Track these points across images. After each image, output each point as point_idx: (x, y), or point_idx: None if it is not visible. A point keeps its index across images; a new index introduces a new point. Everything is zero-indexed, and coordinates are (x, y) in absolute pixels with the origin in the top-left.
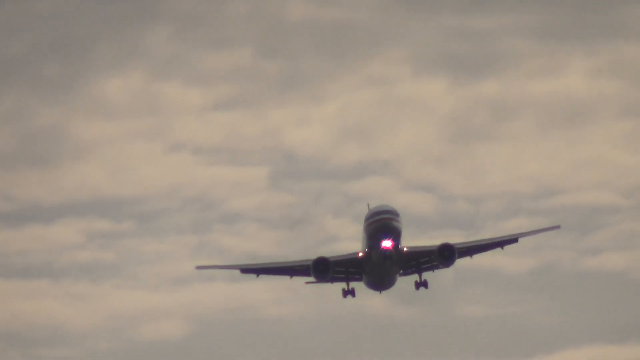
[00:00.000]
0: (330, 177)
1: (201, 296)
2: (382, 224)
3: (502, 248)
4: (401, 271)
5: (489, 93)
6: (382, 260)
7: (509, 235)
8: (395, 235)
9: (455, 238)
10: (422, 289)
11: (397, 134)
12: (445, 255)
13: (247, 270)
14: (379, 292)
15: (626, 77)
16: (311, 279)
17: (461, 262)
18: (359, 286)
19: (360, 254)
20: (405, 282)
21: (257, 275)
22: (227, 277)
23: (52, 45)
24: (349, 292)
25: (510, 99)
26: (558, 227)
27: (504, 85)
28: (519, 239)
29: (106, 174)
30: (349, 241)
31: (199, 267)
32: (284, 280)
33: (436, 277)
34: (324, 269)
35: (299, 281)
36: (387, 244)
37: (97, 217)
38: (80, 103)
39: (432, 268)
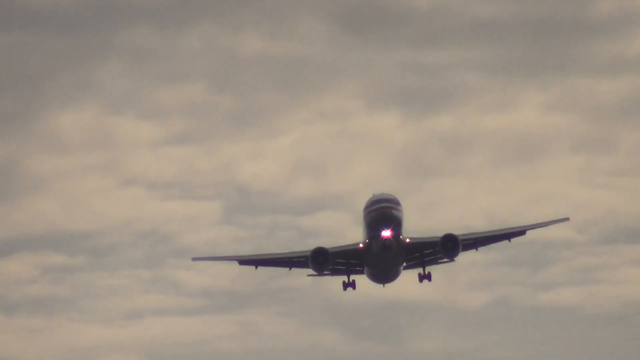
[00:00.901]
0: (284, 212)
1: (155, 330)
2: (381, 212)
3: (510, 240)
4: (405, 264)
5: (442, 127)
6: (382, 250)
7: (517, 227)
8: (396, 224)
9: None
10: (425, 281)
11: (350, 169)
12: (448, 246)
13: (245, 262)
14: (382, 285)
15: (578, 111)
16: (312, 271)
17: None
18: (361, 279)
19: (361, 245)
20: (409, 275)
21: (256, 267)
22: (181, 310)
23: (5, 79)
24: (349, 285)
25: (463, 134)
26: (567, 219)
27: (457, 120)
28: (527, 232)
29: (60, 208)
30: (303, 276)
31: (195, 259)
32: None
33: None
34: (322, 260)
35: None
36: (386, 233)
37: (51, 251)
38: (34, 137)
39: (436, 261)
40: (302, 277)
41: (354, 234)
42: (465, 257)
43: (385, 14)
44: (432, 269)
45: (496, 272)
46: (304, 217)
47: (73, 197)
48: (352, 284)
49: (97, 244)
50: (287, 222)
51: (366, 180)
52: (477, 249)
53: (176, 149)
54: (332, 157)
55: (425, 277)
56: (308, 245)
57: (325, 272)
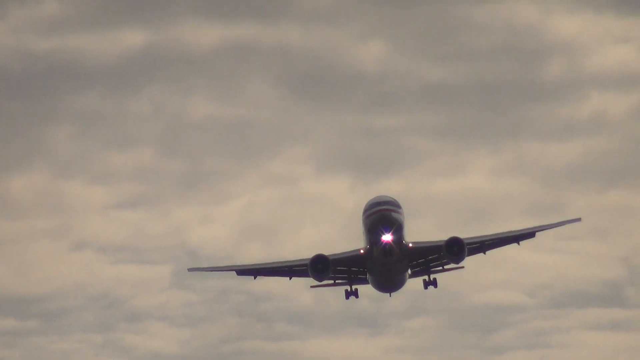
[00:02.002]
0: (234, 276)
1: None
2: (379, 215)
3: (519, 243)
4: (409, 272)
5: (392, 191)
6: (383, 256)
7: (526, 229)
8: (396, 227)
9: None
10: (430, 288)
11: (300, 233)
12: (453, 250)
13: (243, 272)
14: (388, 294)
15: (529, 175)
16: (314, 281)
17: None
18: (367, 289)
19: (362, 251)
20: (414, 282)
21: (255, 277)
22: None
23: None
24: (351, 293)
25: (413, 198)
26: (579, 219)
27: (407, 184)
28: (536, 233)
29: (10, 272)
30: (255, 339)
31: (191, 269)
32: None
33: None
34: (322, 268)
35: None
36: (387, 237)
37: (1, 316)
38: None
39: (442, 266)
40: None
41: (305, 298)
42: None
43: (334, 78)
44: (438, 276)
45: (446, 337)
46: (253, 281)
47: (23, 261)
48: (355, 293)
49: (48, 308)
50: (237, 286)
51: (316, 245)
52: (484, 253)
53: (126, 213)
54: (282, 221)
55: (430, 283)
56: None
57: (328, 282)
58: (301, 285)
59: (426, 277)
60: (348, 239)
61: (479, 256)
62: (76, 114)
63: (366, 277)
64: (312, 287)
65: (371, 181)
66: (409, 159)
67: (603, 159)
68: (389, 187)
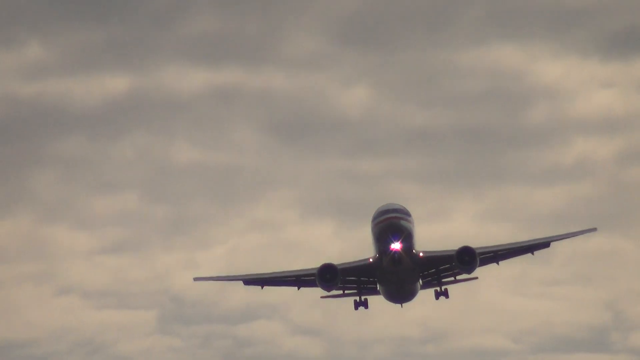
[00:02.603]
0: (219, 321)
1: None
2: (388, 223)
3: (533, 253)
4: (421, 282)
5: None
6: (392, 265)
7: (541, 239)
8: (406, 236)
9: None
10: (442, 298)
11: None
12: (465, 260)
13: (250, 281)
14: (400, 304)
15: (513, 220)
16: (323, 291)
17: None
18: (378, 299)
19: (371, 260)
20: (425, 293)
21: (262, 287)
22: None
23: None
24: (361, 304)
25: None
26: (595, 229)
27: None
28: (551, 243)
29: None
30: None
31: (197, 279)
32: None
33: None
34: (331, 277)
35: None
36: (396, 246)
37: None
38: None
39: (454, 276)
40: None
41: (289, 343)
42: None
43: (319, 123)
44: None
45: None
46: (239, 326)
47: (8, 306)
48: (364, 303)
49: (32, 354)
50: (223, 332)
51: (300, 290)
52: (498, 263)
53: (110, 258)
54: (266, 266)
55: (441, 293)
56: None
57: (337, 292)
58: (289, 331)
59: (437, 288)
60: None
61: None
62: (60, 158)
63: (376, 287)
64: (322, 297)
65: (356, 226)
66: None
67: (588, 204)
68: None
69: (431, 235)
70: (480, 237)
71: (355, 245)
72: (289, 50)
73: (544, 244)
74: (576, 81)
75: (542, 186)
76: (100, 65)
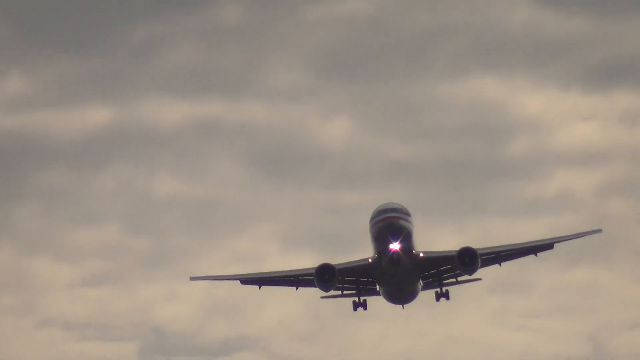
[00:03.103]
0: (200, 353)
1: None
2: (387, 223)
3: (536, 255)
4: (421, 283)
5: None
6: (391, 265)
7: (544, 240)
8: (405, 236)
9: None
10: (443, 300)
11: (265, 310)
12: (465, 261)
13: (247, 281)
14: (401, 306)
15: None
16: (321, 292)
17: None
18: (378, 300)
19: (370, 260)
20: (427, 294)
21: (259, 287)
22: None
23: None
24: (359, 305)
25: None
26: (600, 230)
27: None
28: (555, 245)
29: None
30: None
31: (193, 279)
32: None
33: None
34: (329, 277)
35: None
36: (395, 246)
37: None
38: None
39: (455, 277)
40: None
41: None
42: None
43: (300, 155)
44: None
45: None
46: (220, 358)
47: None
48: (363, 304)
49: None
50: None
51: (281, 322)
52: (500, 264)
53: (92, 290)
54: (248, 298)
55: (442, 295)
56: None
57: (336, 293)
58: None
59: (438, 289)
60: (311, 316)
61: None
62: (41, 191)
63: (376, 288)
64: (322, 297)
65: (337, 258)
66: None
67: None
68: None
69: None
70: None
71: None
72: (269, 83)
73: (547, 246)
74: (557, 113)
75: (524, 218)
76: (82, 98)
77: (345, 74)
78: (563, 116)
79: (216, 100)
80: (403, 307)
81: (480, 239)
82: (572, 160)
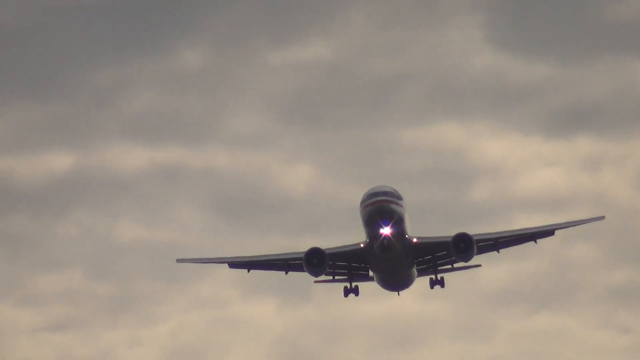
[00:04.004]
0: None
1: None
2: (376, 207)
3: (536, 242)
4: (415, 268)
5: (316, 316)
6: (382, 251)
7: (545, 227)
8: (396, 220)
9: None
10: (437, 287)
11: (227, 356)
12: (460, 247)
13: (236, 264)
14: (397, 292)
15: (458, 299)
16: (320, 277)
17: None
18: (373, 287)
19: (362, 245)
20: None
21: (248, 271)
22: None
23: None
24: (351, 291)
25: (339, 324)
26: (602, 217)
27: (331, 310)
28: (556, 231)
29: None
30: None
31: (180, 260)
32: None
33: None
34: (318, 262)
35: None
36: (385, 230)
37: None
38: None
39: (450, 264)
40: None
41: None
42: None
43: (262, 201)
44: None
45: None
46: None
47: None
48: (355, 290)
49: None
50: None
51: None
52: (498, 251)
53: (54, 335)
54: (209, 344)
55: (437, 282)
56: None
57: (327, 278)
58: None
59: (433, 276)
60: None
61: None
62: (3, 236)
63: (369, 274)
64: (315, 282)
65: (299, 305)
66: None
67: (532, 282)
68: (314, 311)
69: (375, 314)
70: (425, 316)
71: (299, 323)
72: (231, 128)
73: (548, 232)
74: (519, 159)
75: (486, 263)
76: (43, 143)
77: (307, 120)
78: (525, 162)
79: (178, 145)
80: (399, 294)
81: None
82: (534, 206)
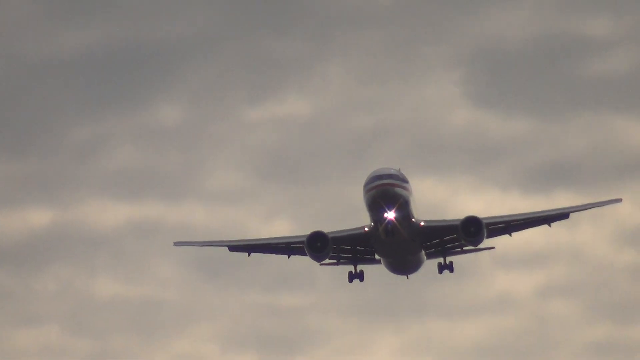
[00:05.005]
0: None
1: None
2: (380, 191)
3: (550, 225)
4: (424, 252)
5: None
6: (386, 235)
7: (560, 209)
8: (401, 204)
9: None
10: (446, 272)
11: None
12: (470, 231)
13: (236, 247)
14: (405, 276)
15: (435, 355)
16: (325, 260)
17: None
18: (380, 270)
19: (366, 229)
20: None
21: (249, 254)
22: None
23: None
24: (356, 276)
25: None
26: (620, 200)
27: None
28: (571, 214)
29: None
30: None
31: (177, 244)
32: None
33: None
34: (321, 247)
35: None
36: (390, 215)
37: None
38: None
39: (459, 247)
40: None
41: None
42: None
43: (240, 257)
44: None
45: None
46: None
47: None
48: (360, 275)
49: None
50: None
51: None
52: (510, 234)
53: None
54: None
55: (445, 267)
56: None
57: (332, 262)
58: None
59: (441, 261)
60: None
61: None
62: None
63: (374, 257)
64: (321, 264)
65: (276, 359)
66: (315, 338)
67: (509, 338)
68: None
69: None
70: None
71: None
72: (209, 184)
73: (562, 215)
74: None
75: (464, 321)
76: (21, 199)
77: (285, 175)
78: None
79: (156, 201)
80: (407, 278)
81: (419, 341)
82: (512, 262)
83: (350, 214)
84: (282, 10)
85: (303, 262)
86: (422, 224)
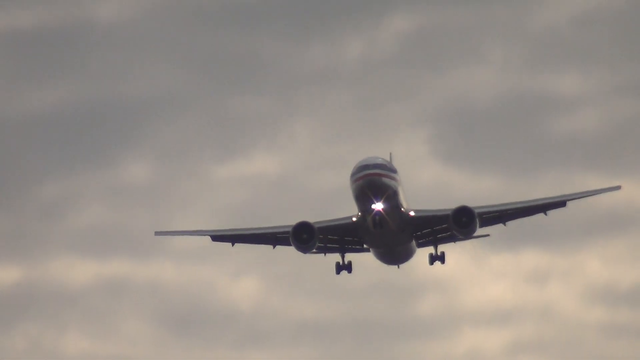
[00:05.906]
0: None
1: None
2: (366, 181)
3: (546, 214)
4: (415, 241)
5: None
6: (374, 226)
7: (556, 197)
8: (388, 194)
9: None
10: (437, 263)
11: None
12: (462, 222)
13: (219, 237)
14: (396, 266)
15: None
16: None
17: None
18: (369, 259)
19: (354, 219)
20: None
21: (232, 244)
22: None
23: None
24: (343, 267)
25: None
26: (619, 187)
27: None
28: (567, 203)
29: None
30: None
31: (158, 233)
32: None
33: None
34: (307, 238)
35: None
36: (378, 206)
37: None
38: None
39: (451, 236)
40: None
41: None
42: None
43: (209, 315)
44: (445, 248)
45: None
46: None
47: None
48: (348, 267)
49: None
50: None
51: None
52: (505, 224)
53: None
54: None
55: (437, 258)
56: None
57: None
58: None
59: (433, 251)
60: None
61: None
62: None
63: (362, 247)
64: (312, 252)
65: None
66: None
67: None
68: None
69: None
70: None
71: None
72: (178, 243)
73: (559, 203)
74: (466, 272)
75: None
76: None
77: None
78: (471, 274)
79: (124, 259)
80: (398, 267)
81: None
82: (480, 319)
83: (319, 274)
84: (250, 68)
85: (288, 252)
86: (412, 213)
